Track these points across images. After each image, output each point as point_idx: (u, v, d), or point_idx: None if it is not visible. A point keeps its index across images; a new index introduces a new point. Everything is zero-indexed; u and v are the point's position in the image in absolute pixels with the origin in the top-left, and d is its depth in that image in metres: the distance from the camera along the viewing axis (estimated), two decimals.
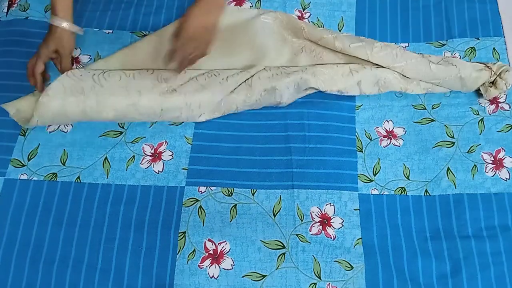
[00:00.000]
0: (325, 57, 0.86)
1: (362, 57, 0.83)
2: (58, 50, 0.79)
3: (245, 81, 0.80)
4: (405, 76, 0.83)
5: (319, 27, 0.94)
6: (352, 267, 0.72)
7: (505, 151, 0.81)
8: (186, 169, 0.79)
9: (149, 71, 0.81)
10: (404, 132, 0.84)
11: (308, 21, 0.95)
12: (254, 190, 0.78)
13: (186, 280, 0.71)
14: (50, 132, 0.82)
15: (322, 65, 0.84)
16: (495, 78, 0.83)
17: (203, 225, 0.75)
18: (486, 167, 0.79)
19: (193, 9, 0.71)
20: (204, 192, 0.77)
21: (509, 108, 0.84)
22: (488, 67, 0.83)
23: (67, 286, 0.71)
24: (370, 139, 0.83)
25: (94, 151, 0.80)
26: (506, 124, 0.83)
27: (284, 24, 0.89)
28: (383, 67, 0.83)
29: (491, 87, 0.83)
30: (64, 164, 0.79)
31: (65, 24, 0.79)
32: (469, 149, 0.81)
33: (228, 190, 0.78)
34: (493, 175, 0.79)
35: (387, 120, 0.85)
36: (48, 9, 0.94)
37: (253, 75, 0.81)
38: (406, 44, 0.92)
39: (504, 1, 0.95)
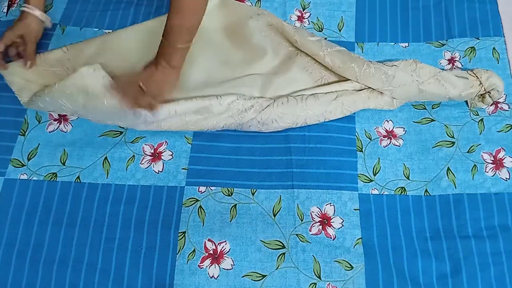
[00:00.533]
0: (318, 63, 0.86)
1: (351, 78, 0.82)
2: (24, 35, 0.81)
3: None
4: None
5: (319, 27, 0.94)
6: (352, 267, 0.72)
7: (505, 151, 0.81)
8: (186, 169, 0.79)
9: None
10: (404, 132, 0.84)
11: (308, 21, 0.95)
12: (254, 190, 0.78)
13: (186, 280, 0.71)
14: (50, 132, 0.82)
15: (314, 94, 0.82)
16: (484, 93, 0.82)
17: (203, 225, 0.75)
18: (486, 167, 0.79)
19: (146, 75, 0.72)
20: (204, 192, 0.77)
21: (509, 108, 0.84)
22: (477, 78, 0.82)
23: (67, 286, 0.71)
24: (370, 139, 0.83)
25: (94, 151, 0.80)
26: (506, 124, 0.83)
27: (279, 31, 0.89)
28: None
29: (479, 101, 0.83)
30: (64, 164, 0.79)
31: (36, 12, 0.83)
32: (469, 149, 0.81)
33: (228, 190, 0.78)
34: (493, 175, 0.79)
35: (387, 120, 0.85)
36: (48, 9, 0.94)
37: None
38: (406, 44, 0.92)
39: (504, 1, 0.95)
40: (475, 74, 0.83)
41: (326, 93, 0.81)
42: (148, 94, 0.72)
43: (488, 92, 0.82)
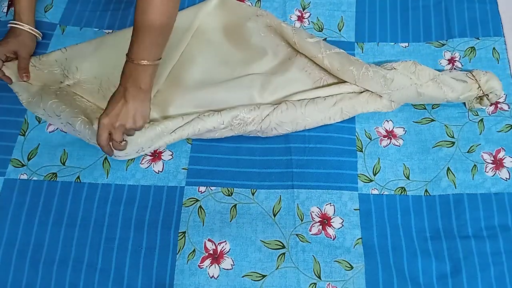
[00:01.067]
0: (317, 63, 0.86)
1: (349, 81, 0.82)
2: (18, 51, 0.82)
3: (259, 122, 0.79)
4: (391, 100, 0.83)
5: (319, 27, 0.94)
6: (352, 267, 0.72)
7: (505, 151, 0.81)
8: (186, 169, 0.79)
9: None
10: (404, 132, 0.84)
11: (308, 21, 0.95)
12: (254, 190, 0.78)
13: (186, 280, 0.71)
14: (50, 132, 0.82)
15: (313, 100, 0.81)
16: (482, 96, 0.82)
17: (203, 225, 0.75)
18: (486, 167, 0.79)
19: (114, 111, 0.67)
20: (204, 192, 0.77)
21: (509, 108, 0.84)
22: (476, 81, 0.82)
23: (67, 286, 0.71)
24: (370, 139, 0.83)
25: (94, 151, 0.80)
26: (506, 124, 0.83)
27: (278, 33, 0.89)
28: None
29: (476, 103, 0.83)
30: (64, 164, 0.79)
31: (27, 27, 0.83)
32: (469, 149, 0.81)
33: (228, 190, 0.78)
34: (493, 175, 0.79)
35: (387, 120, 0.85)
36: (48, 9, 0.95)
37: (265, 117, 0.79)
38: (406, 44, 0.92)
39: (504, 1, 0.95)
40: (474, 76, 0.83)
41: (325, 98, 0.81)
42: (120, 130, 0.68)
43: (486, 95, 0.82)
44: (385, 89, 0.80)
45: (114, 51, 0.86)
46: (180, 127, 0.77)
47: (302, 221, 0.75)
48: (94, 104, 0.82)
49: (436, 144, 0.82)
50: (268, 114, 0.78)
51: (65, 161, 0.80)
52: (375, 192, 0.78)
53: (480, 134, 0.82)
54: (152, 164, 0.80)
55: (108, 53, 0.86)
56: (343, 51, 0.84)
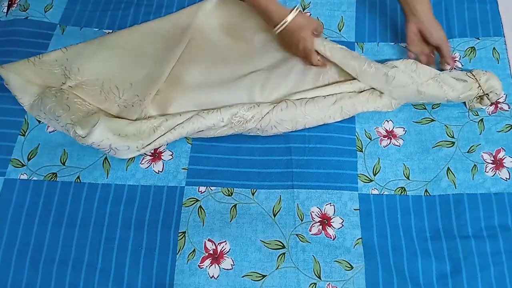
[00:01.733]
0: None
1: (351, 73, 0.82)
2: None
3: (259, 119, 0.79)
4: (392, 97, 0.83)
5: None
6: (352, 267, 0.72)
7: (505, 151, 0.81)
8: (186, 169, 0.79)
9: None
10: (404, 132, 0.84)
11: None
12: (254, 190, 0.78)
13: (186, 280, 0.71)
14: (50, 132, 0.82)
15: (313, 99, 0.81)
16: (482, 95, 0.82)
17: (203, 225, 0.75)
18: (486, 167, 0.79)
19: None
20: (204, 192, 0.77)
21: (509, 108, 0.84)
22: (476, 80, 0.82)
23: (67, 286, 0.71)
24: (370, 139, 0.83)
25: (94, 151, 0.80)
26: (506, 124, 0.83)
27: None
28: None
29: (477, 102, 0.83)
30: (64, 164, 0.79)
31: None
32: (469, 149, 0.81)
33: (228, 190, 0.78)
34: (493, 175, 0.79)
35: (387, 120, 0.85)
36: (47, 9, 0.95)
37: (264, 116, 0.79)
38: (406, 44, 0.92)
39: (504, 1, 0.95)
40: (474, 76, 0.83)
41: (325, 97, 0.81)
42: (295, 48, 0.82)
43: (486, 94, 0.82)
44: (386, 86, 0.80)
45: (115, 52, 0.86)
46: (179, 124, 0.77)
47: (302, 221, 0.75)
48: (96, 106, 0.81)
49: (436, 144, 0.82)
50: (268, 112, 0.78)
51: (65, 161, 0.80)
52: (375, 192, 0.78)
53: (480, 134, 0.82)
54: (152, 164, 0.80)
55: (109, 55, 0.86)
56: (345, 47, 0.84)
